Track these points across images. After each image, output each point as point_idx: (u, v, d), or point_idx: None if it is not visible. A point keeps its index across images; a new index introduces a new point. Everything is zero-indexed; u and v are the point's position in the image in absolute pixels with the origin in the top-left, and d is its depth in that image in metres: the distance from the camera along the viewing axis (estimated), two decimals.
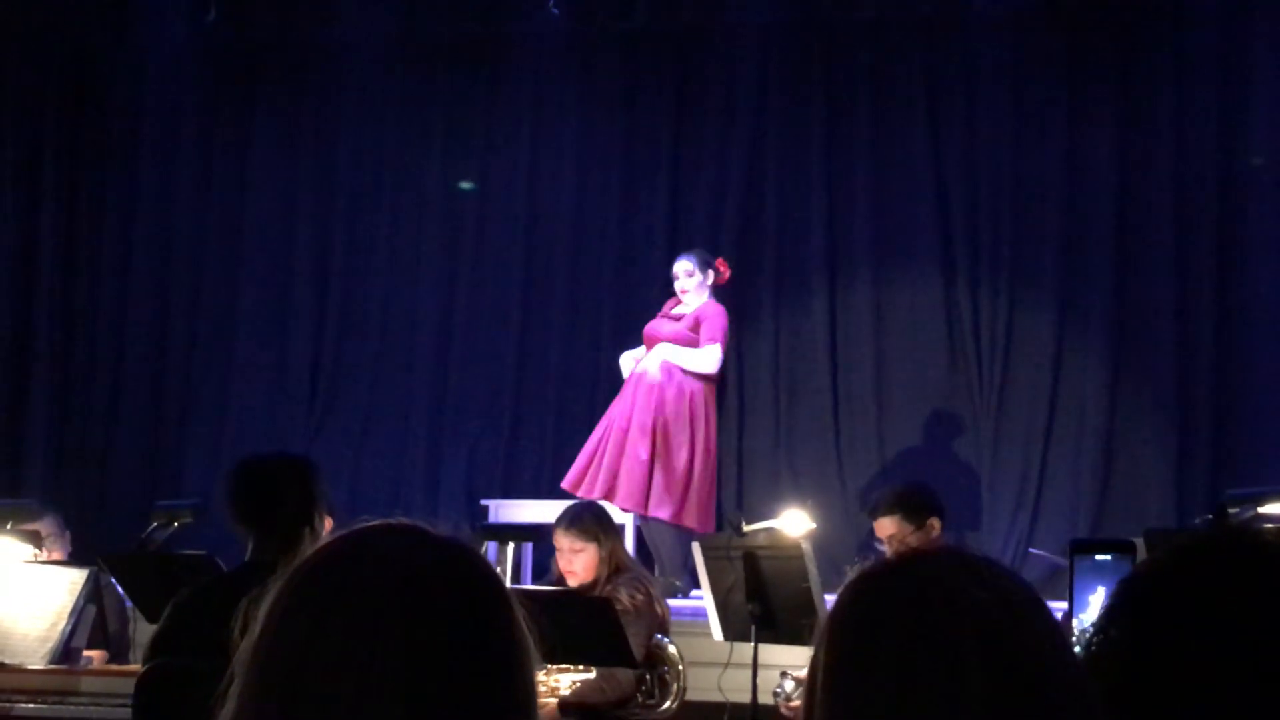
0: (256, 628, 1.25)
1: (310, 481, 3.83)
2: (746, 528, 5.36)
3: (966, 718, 1.16)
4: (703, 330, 7.75)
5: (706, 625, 5.51)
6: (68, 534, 6.23)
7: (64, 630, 4.89)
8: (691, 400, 7.71)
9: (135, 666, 4.45)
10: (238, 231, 9.59)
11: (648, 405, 7.65)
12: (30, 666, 4.82)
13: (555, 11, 8.98)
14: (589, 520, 5.52)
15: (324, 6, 9.29)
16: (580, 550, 5.44)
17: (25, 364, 9.35)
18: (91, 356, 9.50)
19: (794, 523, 5.63)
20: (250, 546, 3.78)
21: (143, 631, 5.25)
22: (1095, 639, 1.31)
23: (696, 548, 5.53)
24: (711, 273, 7.95)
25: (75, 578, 5.02)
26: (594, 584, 5.42)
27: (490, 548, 6.10)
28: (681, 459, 7.59)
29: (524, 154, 9.39)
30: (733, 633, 5.36)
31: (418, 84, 9.48)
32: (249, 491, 3.81)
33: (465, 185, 9.45)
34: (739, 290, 9.06)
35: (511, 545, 6.09)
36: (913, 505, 5.25)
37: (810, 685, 1.25)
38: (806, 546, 5.21)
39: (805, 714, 1.25)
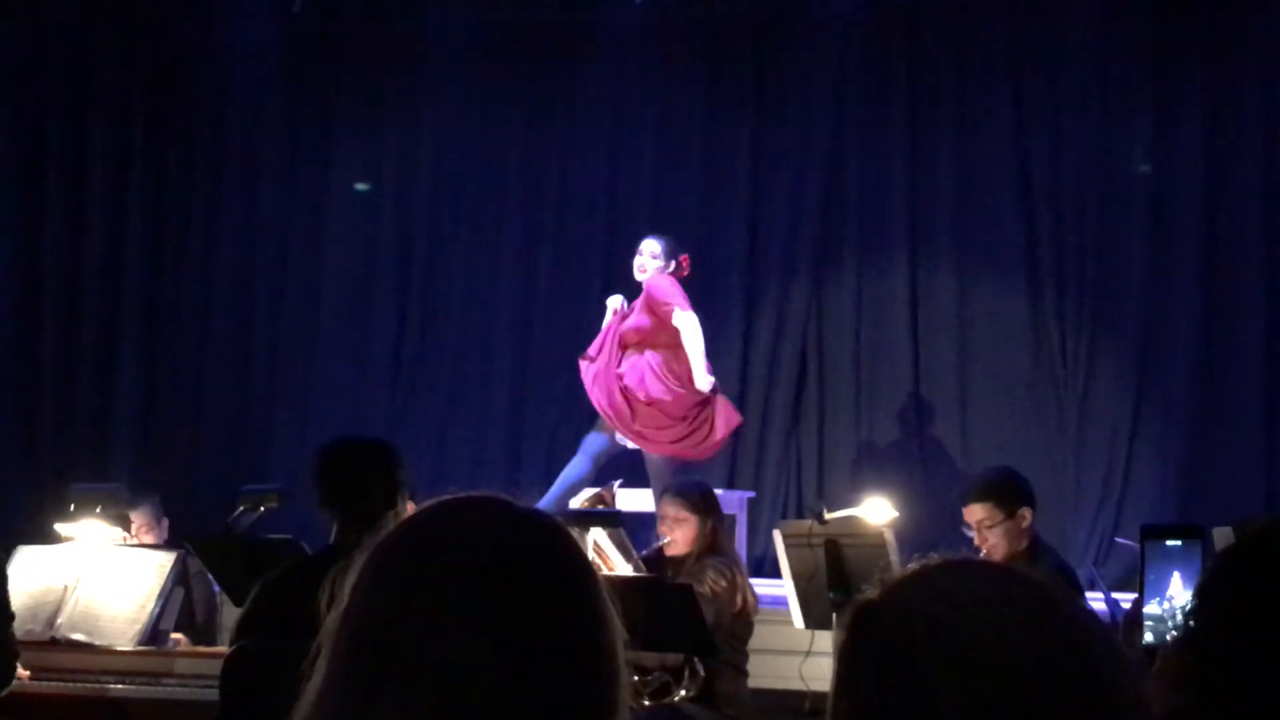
0: (343, 600, 1.26)
1: (394, 465, 3.85)
2: (828, 515, 5.33)
3: None
4: (659, 305, 7.32)
5: (787, 613, 5.50)
6: (165, 522, 6.31)
7: (152, 612, 4.95)
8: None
9: (223, 648, 4.51)
10: (321, 220, 9.68)
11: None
12: (119, 648, 4.89)
13: (637, 2, 8.98)
14: (695, 494, 5.65)
15: None
16: (682, 520, 5.55)
17: (113, 352, 9.50)
18: (178, 344, 9.63)
19: (876, 510, 5.59)
20: (334, 530, 3.81)
21: (230, 618, 5.31)
22: (1188, 621, 1.29)
23: (777, 535, 5.53)
24: (673, 264, 7.50)
25: (163, 561, 5.08)
26: (687, 557, 5.49)
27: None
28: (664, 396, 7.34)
29: (604, 143, 9.39)
30: (814, 620, 5.34)
31: (499, 74, 9.52)
32: (334, 475, 3.84)
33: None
34: (820, 278, 9.04)
35: (592, 531, 6.10)
36: (1005, 493, 5.18)
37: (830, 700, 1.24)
38: (889, 535, 5.19)
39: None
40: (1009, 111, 8.87)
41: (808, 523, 5.38)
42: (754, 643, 5.64)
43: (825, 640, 5.32)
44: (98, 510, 5.52)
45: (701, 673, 5.24)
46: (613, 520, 5.61)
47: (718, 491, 6.05)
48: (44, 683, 4.65)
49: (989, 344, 8.80)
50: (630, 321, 7.46)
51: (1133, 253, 8.64)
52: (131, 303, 9.55)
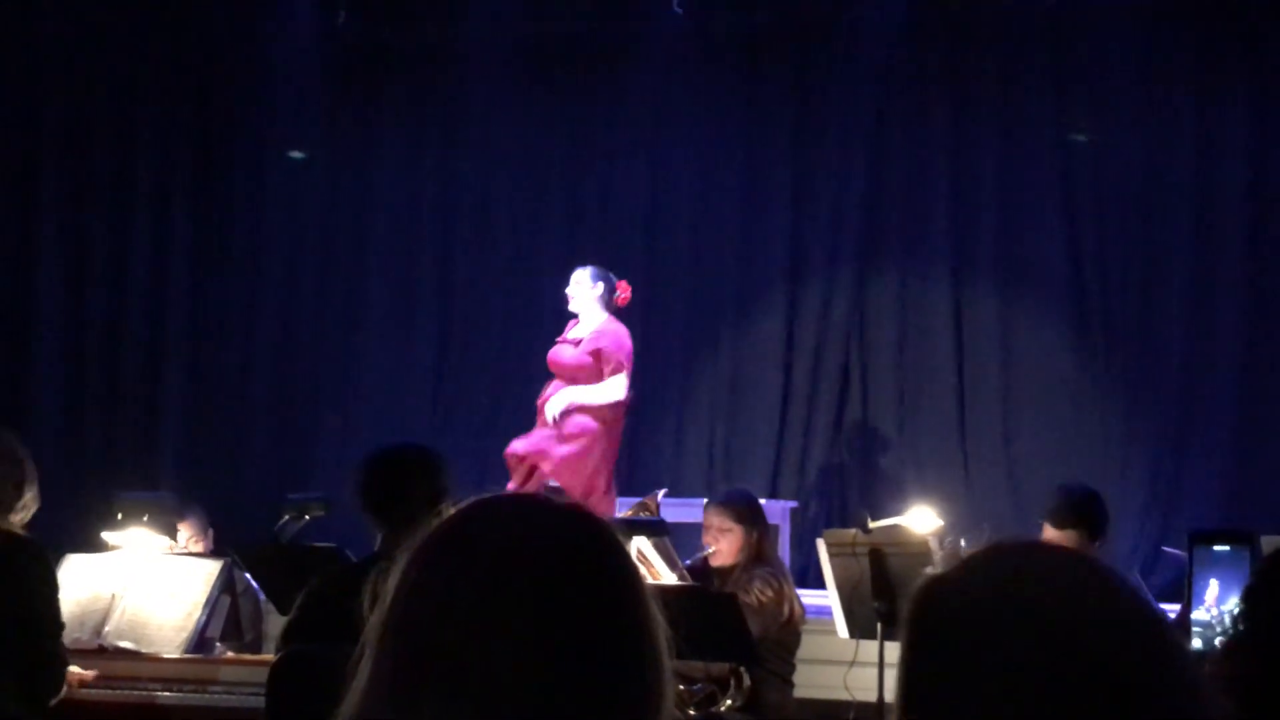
0: (387, 598, 1.26)
1: (438, 473, 3.87)
2: (872, 524, 5.31)
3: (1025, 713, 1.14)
4: (604, 358, 7.02)
5: (831, 622, 5.48)
6: (210, 533, 6.34)
7: (199, 620, 4.97)
8: (586, 433, 7.09)
9: (268, 656, 4.53)
10: (363, 231, 9.72)
11: (545, 447, 7.11)
12: (166, 656, 4.91)
13: (678, 10, 8.98)
14: (741, 504, 5.63)
15: (450, 8, 9.38)
16: (727, 530, 5.53)
17: (159, 363, 9.56)
18: (223, 355, 9.69)
19: (920, 519, 5.57)
20: (379, 537, 3.83)
21: (275, 625, 5.34)
22: (1236, 626, 1.28)
23: (821, 544, 5.50)
24: (605, 288, 7.18)
25: (210, 569, 5.11)
26: (733, 567, 5.48)
27: None
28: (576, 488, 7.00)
29: (645, 153, 9.40)
30: (858, 630, 5.32)
31: (540, 84, 9.53)
32: (378, 482, 3.85)
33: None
34: (863, 287, 9.01)
35: (636, 540, 6.10)
36: (1093, 520, 5.14)
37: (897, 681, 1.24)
38: (934, 543, 5.16)
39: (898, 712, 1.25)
40: (1051, 120, 8.83)
41: (852, 531, 5.36)
42: (799, 652, 5.62)
43: (870, 650, 5.30)
44: (145, 519, 5.56)
45: (747, 683, 5.23)
46: (657, 529, 5.61)
47: (761, 501, 6.03)
48: (92, 690, 4.68)
49: (1032, 353, 8.76)
50: (571, 355, 7.14)
51: (1176, 261, 8.59)
52: (177, 314, 9.62)
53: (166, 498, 6.58)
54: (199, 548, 6.08)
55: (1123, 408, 8.54)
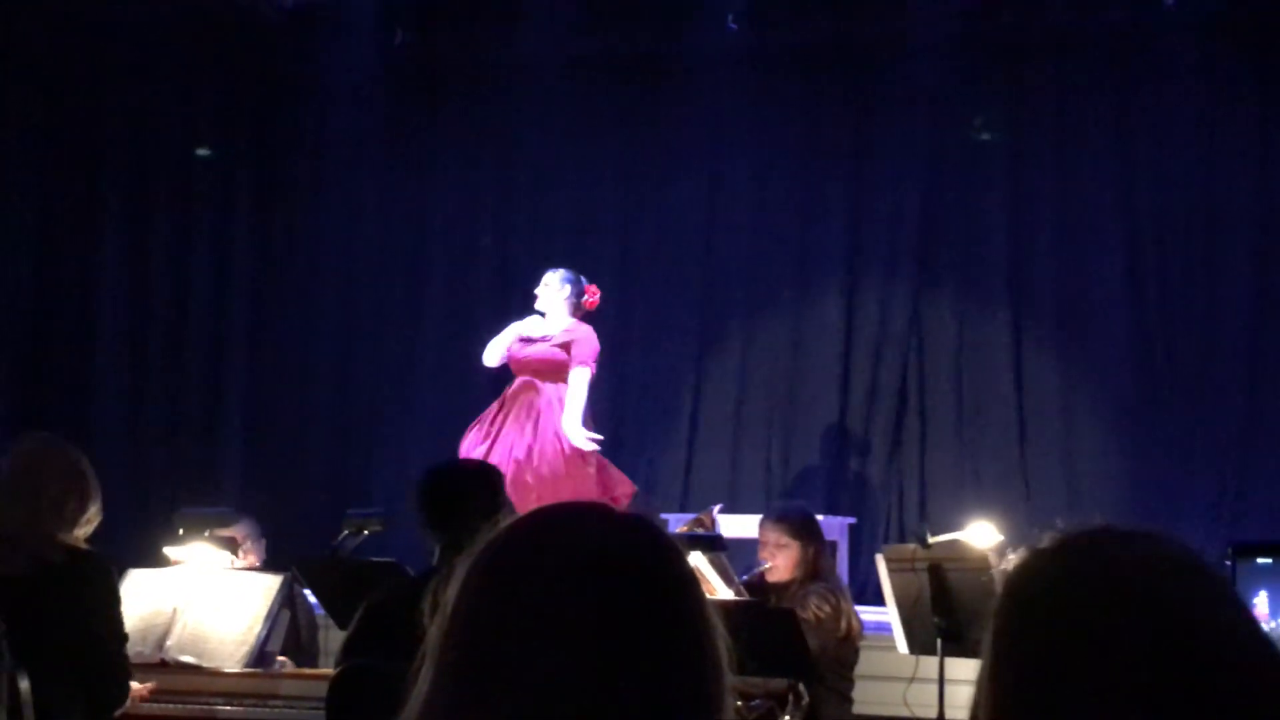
0: (447, 607, 1.27)
1: (495, 489, 3.89)
2: (931, 539, 5.28)
3: (1135, 691, 1.13)
4: (573, 352, 7.13)
5: (891, 638, 5.44)
6: (264, 541, 6.38)
7: (259, 635, 4.99)
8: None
9: (328, 670, 4.55)
10: (421, 247, 9.77)
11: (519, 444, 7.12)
12: (226, 670, 4.94)
13: (734, 27, 8.97)
14: (797, 519, 5.60)
15: (505, 26, 9.42)
16: (784, 546, 5.50)
17: (219, 379, 9.65)
18: (282, 372, 9.76)
19: (980, 534, 5.53)
20: (436, 552, 3.84)
21: (334, 639, 5.36)
22: None
23: (880, 559, 5.47)
24: (573, 291, 7.28)
25: (270, 583, 5.13)
26: (790, 583, 5.45)
27: None
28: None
29: (700, 169, 9.40)
30: (918, 646, 5.28)
31: (596, 101, 9.56)
32: (436, 498, 3.87)
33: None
34: (920, 301, 8.97)
35: (692, 556, 6.09)
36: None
37: (983, 664, 1.24)
38: (995, 559, 5.12)
39: (979, 691, 1.24)
40: (1110, 135, 8.78)
41: (911, 547, 5.33)
42: (858, 669, 5.59)
43: (930, 666, 5.26)
44: (205, 534, 5.59)
45: (806, 699, 5.20)
46: (713, 544, 5.59)
47: (819, 517, 6.00)
48: (154, 704, 4.71)
49: (1092, 367, 8.69)
50: (539, 349, 7.19)
51: (1237, 278, 8.51)
52: (237, 331, 9.70)
53: (227, 513, 6.62)
54: (251, 557, 6.11)
55: (1184, 424, 8.45)
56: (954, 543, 5.42)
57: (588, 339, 7.19)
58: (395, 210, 9.82)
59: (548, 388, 7.18)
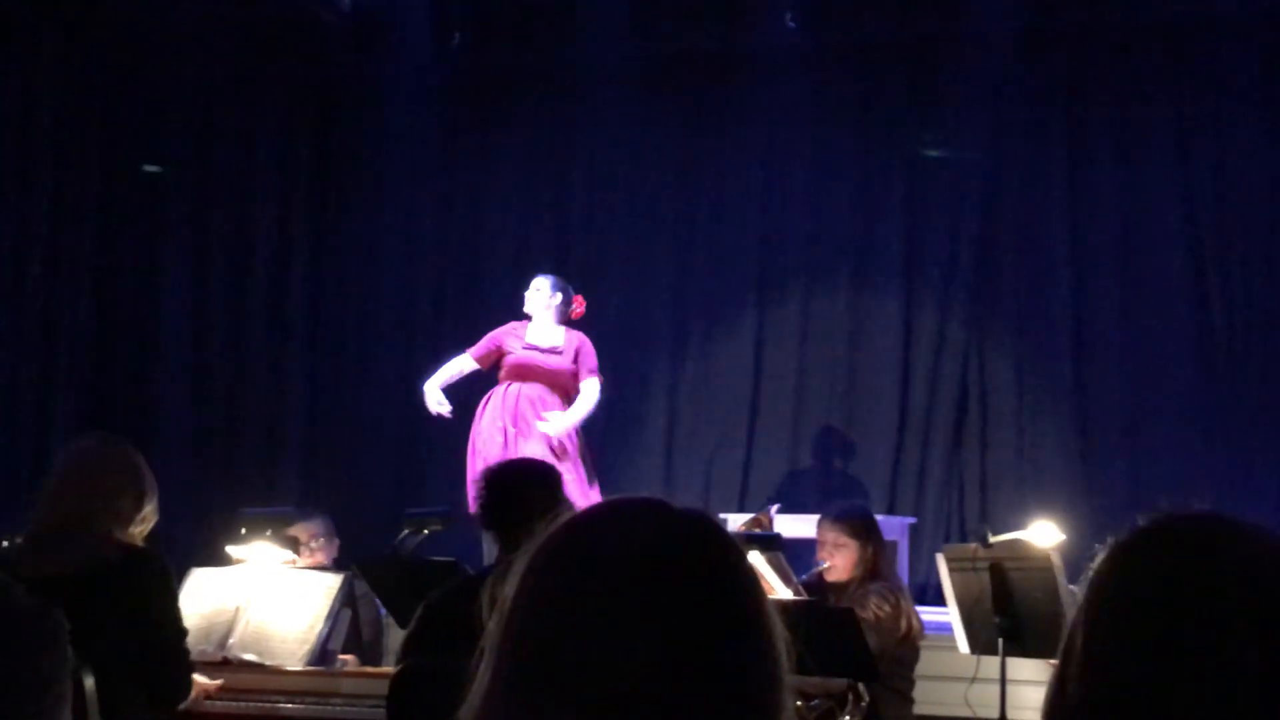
0: (506, 602, 1.27)
1: (555, 488, 3.89)
2: (993, 539, 5.24)
3: (1236, 678, 1.12)
4: (582, 364, 7.36)
5: (952, 638, 5.41)
6: (336, 540, 6.42)
7: (321, 633, 5.02)
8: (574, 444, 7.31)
9: (389, 668, 4.57)
10: (479, 249, 9.80)
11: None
12: (288, 668, 4.97)
13: (792, 25, 8.95)
14: (856, 519, 5.57)
15: (562, 27, 9.44)
16: (842, 546, 5.48)
17: (279, 379, 9.72)
18: (342, 373, 9.83)
19: (1042, 534, 5.48)
20: (496, 551, 3.85)
21: (396, 639, 5.39)
22: None
23: (940, 559, 5.44)
24: (563, 299, 7.47)
25: (331, 582, 5.16)
26: (849, 583, 5.42)
27: None
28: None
29: (758, 168, 9.39)
30: (979, 646, 5.25)
31: (652, 101, 9.56)
32: (496, 497, 3.88)
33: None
34: (980, 298, 8.92)
35: (752, 555, 6.07)
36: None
37: (1068, 652, 1.22)
38: (1056, 558, 5.08)
39: (1059, 680, 1.22)
40: (1172, 133, 8.69)
41: (972, 546, 5.29)
42: (919, 669, 5.56)
43: (991, 666, 5.23)
44: (267, 533, 5.63)
45: (866, 699, 5.18)
46: (772, 543, 5.57)
47: (878, 517, 5.97)
48: (216, 701, 4.75)
49: (1155, 362, 8.61)
50: (553, 361, 7.36)
51: None
52: (296, 331, 9.78)
53: (288, 513, 6.67)
54: (322, 553, 6.15)
55: (1248, 422, 8.35)
56: (1015, 542, 5.37)
57: (591, 349, 7.41)
58: (453, 211, 9.86)
59: (559, 402, 7.33)
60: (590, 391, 7.30)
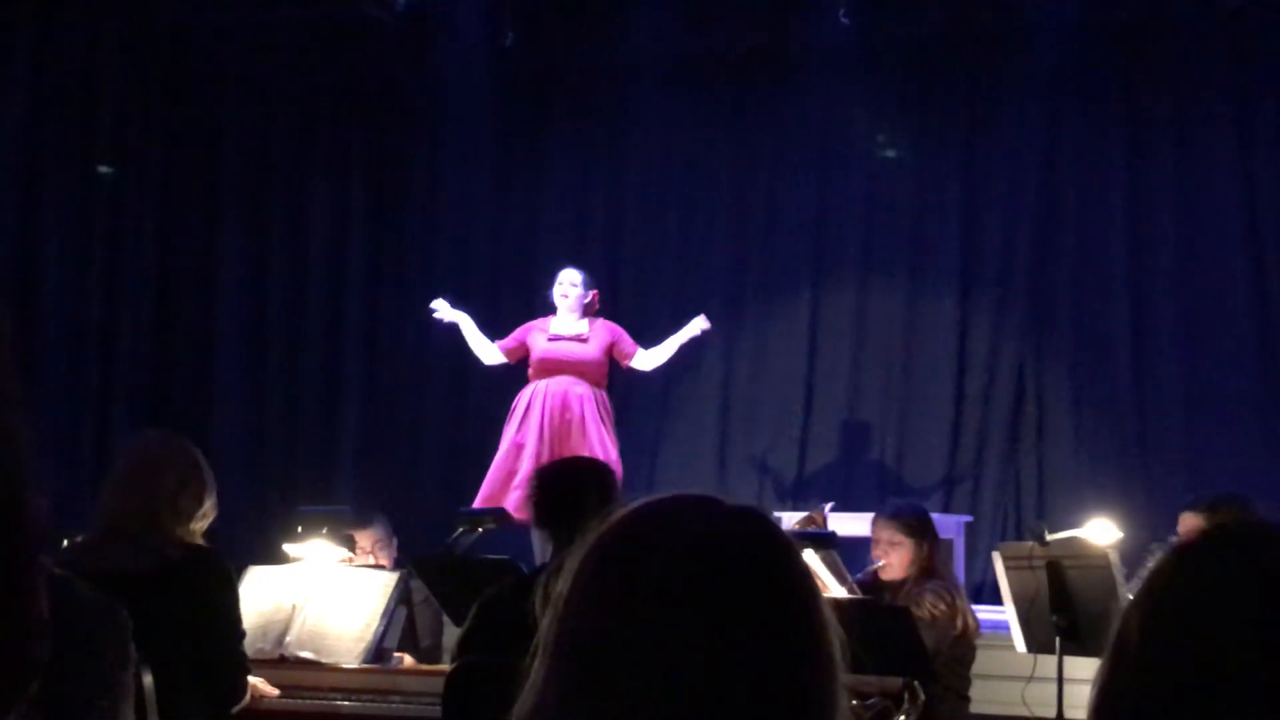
0: (560, 598, 1.27)
1: (609, 487, 3.90)
2: (1050, 537, 5.20)
3: None
4: (625, 349, 7.60)
5: (1008, 637, 5.38)
6: (395, 541, 6.45)
7: (377, 631, 5.05)
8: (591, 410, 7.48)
9: (444, 666, 4.58)
10: (533, 247, 9.82)
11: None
12: (345, 666, 5.00)
13: (845, 21, 8.91)
14: (911, 517, 5.54)
15: (614, 26, 9.45)
16: (897, 544, 5.45)
17: (336, 379, 9.78)
18: (397, 372, 9.88)
19: (1100, 532, 5.44)
20: (550, 549, 3.86)
21: (450, 637, 5.40)
22: None
23: (997, 557, 5.41)
24: (587, 291, 7.66)
25: (387, 580, 5.18)
26: (903, 581, 5.40)
27: None
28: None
29: (812, 165, 9.36)
30: (1036, 644, 5.22)
31: (705, 99, 9.55)
32: (551, 495, 3.89)
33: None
34: (1037, 295, 8.86)
35: (807, 554, 6.05)
36: (1222, 509, 5.02)
37: (1119, 655, 1.20)
38: (1114, 556, 5.04)
39: (1109, 683, 1.21)
40: (1231, 125, 8.60)
41: (1028, 544, 5.26)
42: (975, 668, 5.53)
43: (1048, 665, 5.19)
44: (323, 531, 5.67)
45: (922, 698, 5.15)
46: (826, 542, 5.55)
47: (934, 515, 5.94)
48: (274, 699, 4.78)
49: (1214, 358, 8.53)
50: (581, 350, 7.51)
51: None
52: (352, 331, 9.84)
53: (344, 511, 6.70)
54: (385, 555, 6.17)
55: None
56: (1073, 540, 5.34)
57: (625, 332, 7.66)
58: (507, 210, 9.88)
59: (588, 391, 7.43)
60: (648, 356, 7.59)
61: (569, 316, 7.59)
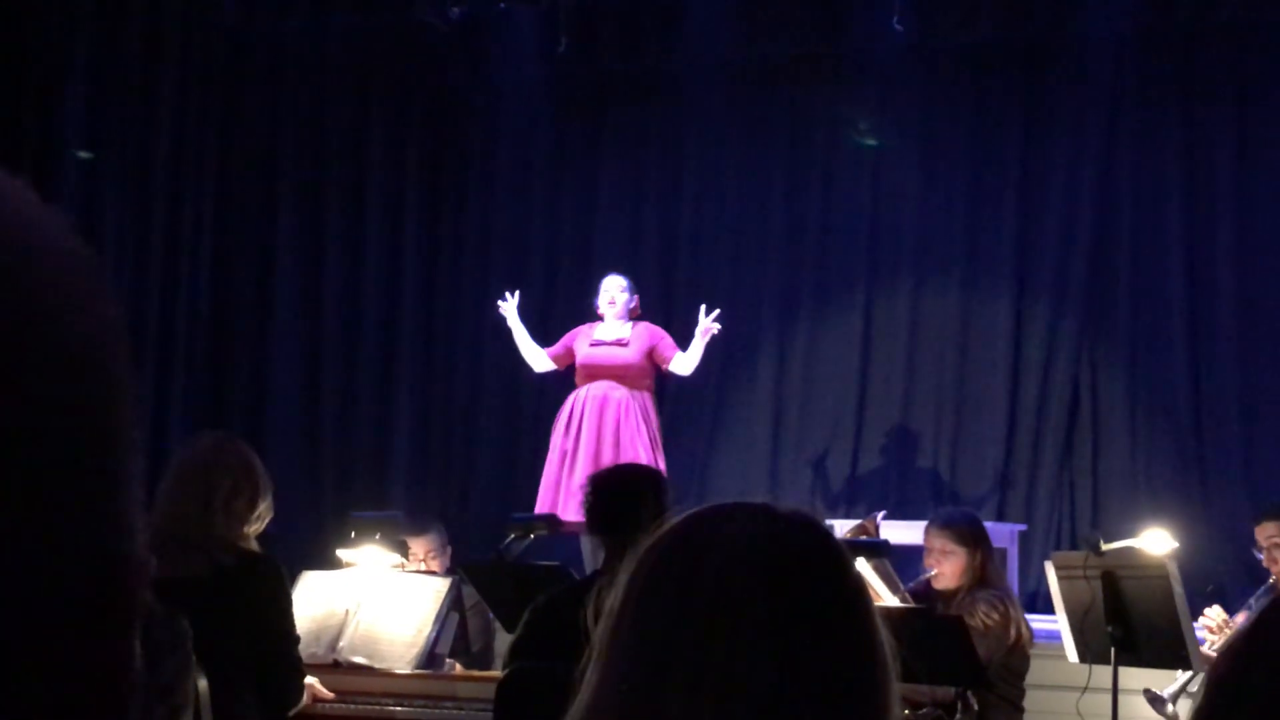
0: (614, 607, 1.28)
1: (662, 494, 3.90)
2: (1105, 546, 5.16)
3: None
4: (665, 352, 7.56)
5: (1062, 647, 5.34)
6: (449, 550, 6.47)
7: (429, 637, 5.07)
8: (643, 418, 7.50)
9: (496, 672, 4.60)
10: (587, 254, 9.83)
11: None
12: (397, 671, 5.02)
13: (899, 27, 8.87)
14: (963, 525, 5.50)
15: (668, 33, 9.45)
16: (950, 553, 5.41)
17: (390, 385, 9.83)
18: (451, 379, 9.91)
19: (1155, 541, 5.39)
20: (602, 556, 3.86)
21: (502, 643, 5.42)
22: None
23: (1050, 566, 5.37)
24: (632, 296, 7.70)
25: (439, 586, 5.20)
26: (956, 590, 5.37)
27: None
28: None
29: (866, 169, 9.32)
30: (1090, 655, 5.18)
31: (759, 105, 9.54)
32: (605, 501, 3.89)
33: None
34: (1092, 302, 8.80)
35: (859, 562, 6.03)
36: None
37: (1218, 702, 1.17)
38: (1172, 566, 4.99)
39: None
40: None
41: (1082, 554, 5.22)
42: (1030, 677, 5.49)
43: (1103, 675, 5.15)
44: (377, 537, 5.70)
45: (975, 707, 5.12)
46: (879, 550, 5.53)
47: (987, 524, 5.90)
48: (327, 704, 4.81)
49: (1273, 366, 8.44)
50: (622, 355, 7.51)
51: None
52: (406, 336, 9.88)
53: (397, 517, 6.74)
54: (437, 564, 6.20)
55: None
56: (1128, 550, 5.30)
57: (665, 334, 7.63)
58: (561, 215, 9.90)
59: (627, 396, 7.45)
60: (684, 359, 7.54)
61: (614, 322, 7.64)
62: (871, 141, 9.14)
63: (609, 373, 7.51)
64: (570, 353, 7.70)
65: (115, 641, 0.57)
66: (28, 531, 0.54)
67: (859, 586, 1.29)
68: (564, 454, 7.48)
